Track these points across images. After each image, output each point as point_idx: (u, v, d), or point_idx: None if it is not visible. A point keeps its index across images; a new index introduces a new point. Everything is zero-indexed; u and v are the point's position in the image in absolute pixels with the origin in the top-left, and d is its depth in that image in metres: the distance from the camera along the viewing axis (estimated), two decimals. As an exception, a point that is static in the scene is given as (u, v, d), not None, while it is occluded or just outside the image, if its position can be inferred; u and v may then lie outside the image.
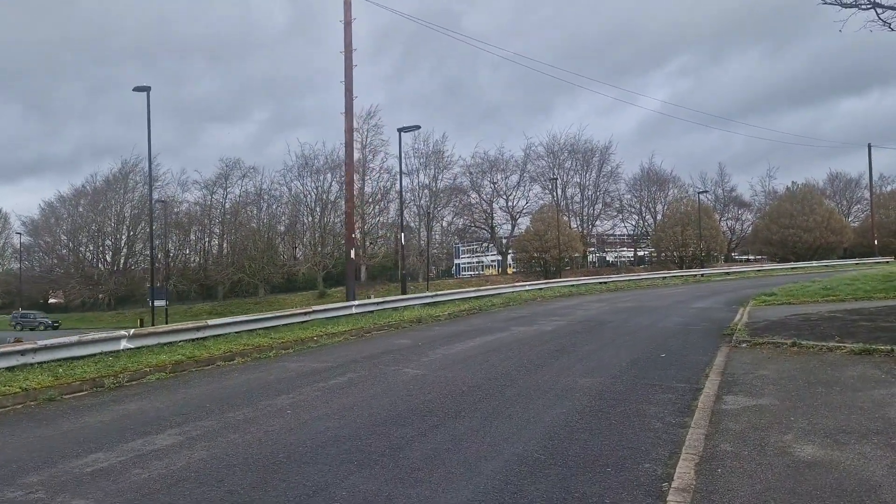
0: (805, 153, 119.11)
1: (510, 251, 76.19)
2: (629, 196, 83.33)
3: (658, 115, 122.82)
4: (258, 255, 74.97)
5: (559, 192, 78.43)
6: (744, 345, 12.25)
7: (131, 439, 6.99)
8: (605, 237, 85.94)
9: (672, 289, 35.10)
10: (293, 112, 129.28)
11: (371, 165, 70.66)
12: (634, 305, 23.18)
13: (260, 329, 15.51)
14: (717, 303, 23.28)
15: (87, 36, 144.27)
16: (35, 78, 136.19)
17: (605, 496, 4.95)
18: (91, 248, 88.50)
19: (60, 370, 10.32)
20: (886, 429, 6.29)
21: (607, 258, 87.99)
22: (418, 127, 28.89)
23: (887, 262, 52.95)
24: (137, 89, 27.88)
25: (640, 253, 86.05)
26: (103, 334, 12.09)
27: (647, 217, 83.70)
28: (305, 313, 17.33)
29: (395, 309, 21.47)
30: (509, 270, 76.39)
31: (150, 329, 13.11)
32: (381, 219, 72.25)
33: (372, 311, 20.41)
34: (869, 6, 12.89)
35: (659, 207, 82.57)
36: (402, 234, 29.07)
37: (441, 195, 73.96)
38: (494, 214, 78.50)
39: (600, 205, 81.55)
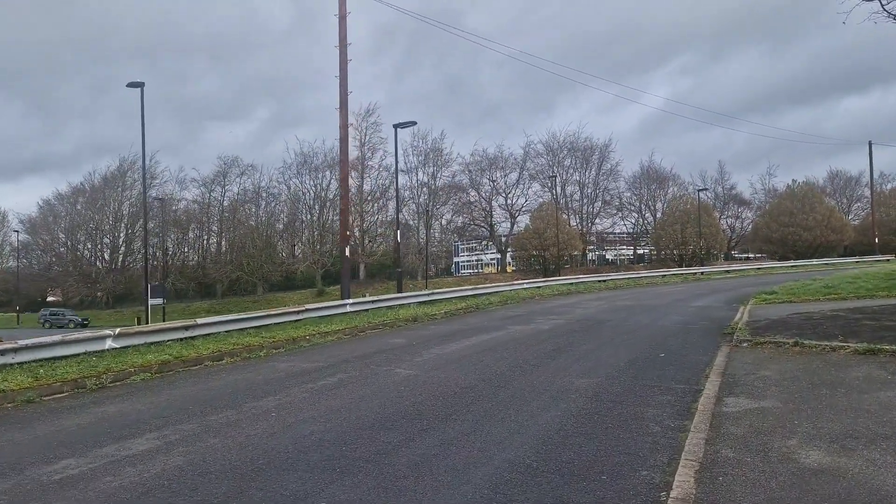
0: (805, 151, 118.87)
1: (509, 249, 75.88)
2: (629, 194, 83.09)
3: (659, 113, 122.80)
4: (256, 253, 74.69)
5: (558, 189, 78.11)
6: (745, 344, 11.97)
7: (106, 444, 6.70)
8: (605, 235, 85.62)
9: (671, 287, 34.81)
10: (294, 110, 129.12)
11: (370, 163, 70.38)
12: (633, 304, 22.89)
13: (251, 328, 15.21)
14: (717, 301, 23.00)
15: (88, 35, 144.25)
16: (36, 77, 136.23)
17: (599, 507, 4.67)
18: (89, 247, 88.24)
19: (41, 371, 10.02)
20: (895, 433, 6.01)
21: (607, 256, 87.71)
22: (414, 123, 28.56)
23: (888, 260, 52.67)
24: (131, 85, 27.58)
25: (640, 251, 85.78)
26: (87, 333, 11.80)
27: (646, 215, 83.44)
28: (298, 312, 17.03)
29: (390, 307, 21.17)
30: (508, 269, 76.10)
31: (137, 328, 12.81)
32: (381, 217, 72.01)
33: (367, 310, 20.11)
34: (873, -4, 12.60)
35: (659, 205, 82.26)
36: (399, 232, 28.65)
37: (440, 193, 73.62)
38: (493, 212, 78.24)
39: (600, 203, 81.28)
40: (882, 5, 12.43)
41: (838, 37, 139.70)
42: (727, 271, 49.40)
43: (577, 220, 79.52)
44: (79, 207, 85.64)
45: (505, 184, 77.08)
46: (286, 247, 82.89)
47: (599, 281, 38.86)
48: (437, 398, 8.34)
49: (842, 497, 4.60)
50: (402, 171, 71.79)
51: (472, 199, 77.28)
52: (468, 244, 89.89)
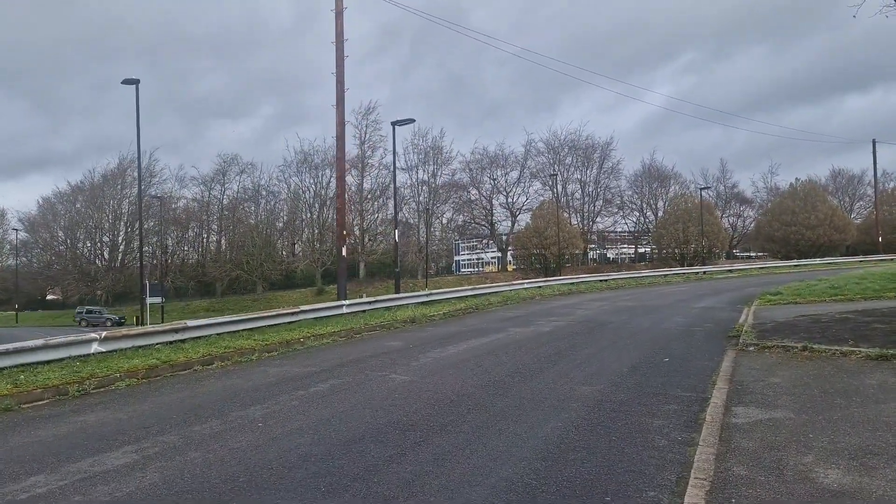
0: (808, 150, 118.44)
1: (510, 248, 75.46)
2: (630, 192, 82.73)
3: (661, 111, 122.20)
4: (256, 251, 74.32)
5: (559, 188, 77.74)
6: (751, 348, 11.59)
7: (81, 458, 6.33)
8: (606, 234, 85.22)
9: (674, 287, 34.44)
10: (297, 108, 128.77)
11: (370, 161, 70.04)
12: (635, 305, 22.51)
13: (244, 330, 14.81)
14: (721, 302, 22.62)
15: (90, 33, 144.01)
16: (40, 75, 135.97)
17: (603, 535, 4.29)
18: (88, 245, 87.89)
19: (22, 377, 9.63)
20: (919, 450, 5.63)
21: (608, 255, 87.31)
22: (413, 120, 28.18)
23: (892, 259, 52.21)
24: (126, 82, 27.16)
25: (641, 250, 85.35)
26: (72, 337, 11.41)
27: (647, 214, 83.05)
28: (293, 313, 16.64)
29: (387, 308, 20.78)
30: (509, 267, 75.68)
31: (124, 331, 12.42)
32: (381, 215, 71.62)
33: (364, 311, 19.73)
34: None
35: (660, 204, 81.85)
36: (397, 232, 28.25)
37: (440, 191, 73.22)
38: (494, 211, 77.88)
39: (601, 201, 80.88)
40: (895, -1, 12.02)
41: (842, 34, 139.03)
42: (729, 271, 49.00)
43: (579, 219, 79.15)
44: (78, 206, 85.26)
45: (506, 182, 76.75)
46: (286, 245, 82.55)
47: (601, 280, 38.47)
48: (433, 407, 7.97)
49: (867, 524, 4.24)
50: (403, 169, 71.50)
51: (472, 198, 76.93)
52: (469, 243, 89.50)
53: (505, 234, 78.18)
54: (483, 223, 78.83)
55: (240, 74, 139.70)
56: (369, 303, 20.71)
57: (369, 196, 70.57)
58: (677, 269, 49.83)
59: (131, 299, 77.54)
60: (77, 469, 5.98)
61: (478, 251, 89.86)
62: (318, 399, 8.66)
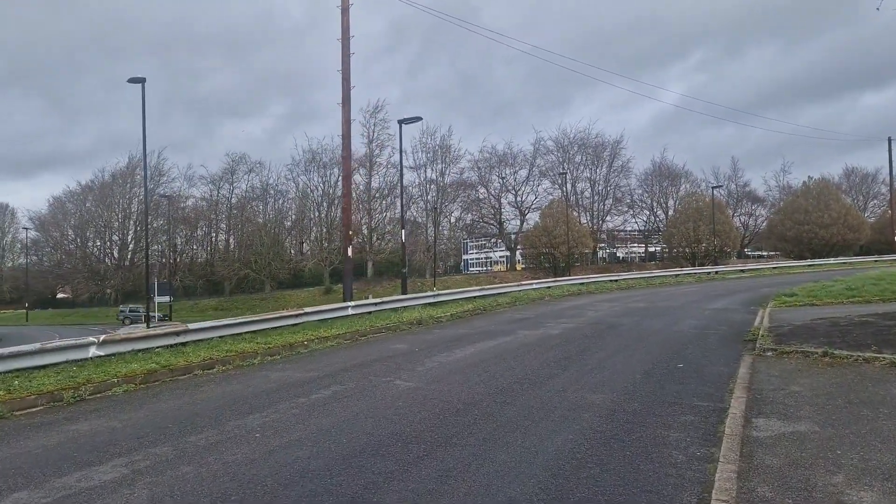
0: (821, 148, 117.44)
1: (519, 247, 75.00)
2: (640, 191, 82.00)
3: (673, 109, 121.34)
4: (264, 250, 74.25)
5: (569, 187, 77.17)
6: (769, 353, 11.20)
7: (68, 472, 6.03)
8: (616, 233, 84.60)
9: (685, 287, 33.97)
10: (308, 107, 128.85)
11: (378, 160, 69.76)
12: (646, 306, 22.10)
13: (246, 333, 14.50)
14: (734, 303, 22.17)
15: (104, 32, 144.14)
16: (54, 74, 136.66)
17: (619, 567, 3.95)
18: (98, 244, 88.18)
19: (16, 382, 9.36)
20: (958, 470, 5.25)
21: (618, 254, 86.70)
22: (419, 118, 27.82)
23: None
24: (132, 81, 26.99)
25: (652, 249, 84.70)
26: (69, 341, 11.13)
27: (658, 212, 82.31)
28: (297, 315, 16.32)
29: (394, 310, 20.46)
30: (518, 267, 75.25)
31: (123, 335, 12.14)
32: (389, 214, 71.31)
33: (370, 312, 19.40)
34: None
35: (671, 203, 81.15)
36: (404, 232, 27.94)
37: (449, 190, 72.85)
38: (503, 210, 77.41)
39: (611, 200, 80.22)
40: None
41: (858, 30, 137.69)
42: (742, 270, 48.40)
43: (588, 218, 78.57)
44: (88, 205, 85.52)
45: (515, 180, 76.26)
46: (294, 244, 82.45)
47: (611, 281, 38.02)
48: (438, 417, 7.64)
49: (910, 558, 3.87)
50: (411, 167, 71.18)
51: (481, 197, 76.53)
52: (477, 241, 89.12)
53: (514, 233, 77.72)
54: (492, 222, 78.40)
55: (251, 73, 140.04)
56: (375, 304, 20.39)
57: (377, 195, 70.31)
58: (688, 269, 49.29)
59: (140, 298, 77.57)
60: (63, 485, 5.69)
61: (486, 250, 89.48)
62: (319, 407, 8.35)
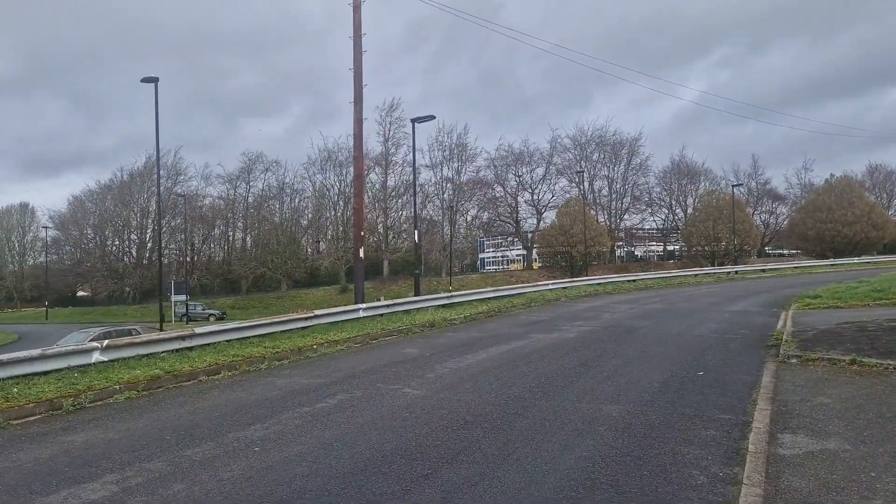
0: (844, 145, 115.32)
1: (535, 246, 74.44)
2: (659, 189, 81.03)
3: (694, 106, 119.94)
4: (281, 249, 74.36)
5: (586, 185, 76.49)
6: (793, 360, 10.75)
7: (56, 489, 5.77)
8: (634, 231, 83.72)
9: (704, 287, 33.38)
10: (328, 106, 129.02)
11: (394, 159, 69.55)
12: (665, 307, 21.62)
13: (254, 336, 14.22)
14: (755, 305, 21.64)
15: (128, 32, 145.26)
16: (79, 75, 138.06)
17: None
18: (117, 243, 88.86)
19: (15, 389, 9.13)
20: None
21: (636, 253, 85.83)
22: (433, 117, 27.51)
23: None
24: (146, 80, 26.91)
25: (670, 248, 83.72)
26: (71, 347, 10.93)
27: (676, 211, 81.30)
28: (307, 318, 16.02)
29: (406, 312, 20.12)
30: (535, 266, 74.68)
31: (128, 339, 11.93)
32: (405, 212, 71.07)
33: (381, 315, 19.09)
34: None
35: (690, 201, 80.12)
36: (417, 233, 27.66)
37: (465, 188, 72.45)
38: (520, 208, 76.86)
39: (629, 198, 79.33)
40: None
41: (884, 24, 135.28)
42: (762, 270, 47.61)
43: (606, 216, 77.78)
44: (107, 204, 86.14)
45: (531, 179, 75.70)
46: (311, 243, 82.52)
47: (629, 281, 37.46)
48: (445, 429, 7.31)
49: None
50: (427, 166, 70.89)
51: (497, 195, 76.01)
52: (494, 240, 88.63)
53: (530, 232, 77.17)
54: (508, 221, 77.88)
55: (273, 72, 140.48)
56: (387, 306, 20.08)
57: (393, 193, 70.10)
58: (708, 269, 48.56)
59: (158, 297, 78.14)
60: (48, 504, 5.43)
61: (503, 249, 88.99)
62: (323, 417, 8.04)
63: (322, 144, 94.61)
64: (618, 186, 78.65)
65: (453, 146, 71.56)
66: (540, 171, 75.63)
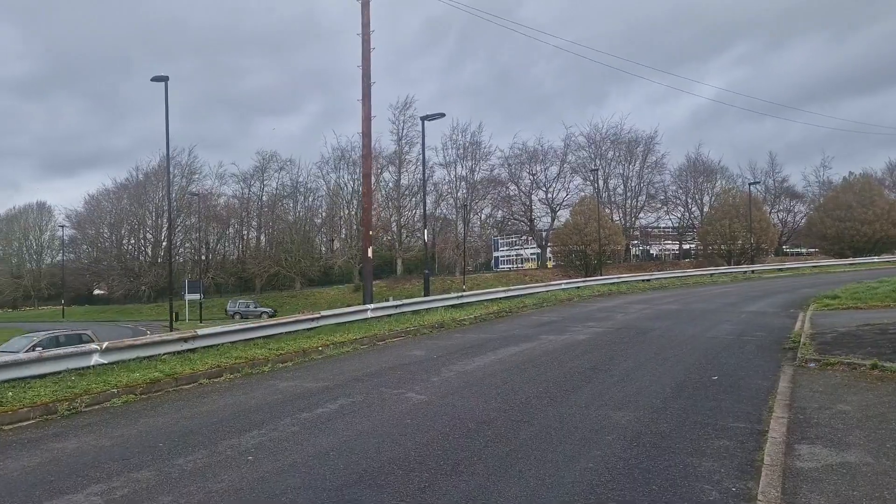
0: (864, 142, 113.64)
1: (550, 244, 73.96)
2: (674, 187, 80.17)
3: (711, 104, 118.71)
4: (294, 248, 74.48)
5: (601, 183, 75.83)
6: (812, 364, 10.37)
7: (39, 501, 5.56)
8: (649, 230, 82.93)
9: (720, 287, 32.86)
10: (344, 105, 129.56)
11: (407, 157, 69.38)
12: (679, 308, 21.21)
13: (259, 338, 14.01)
14: (773, 305, 21.19)
15: (148, 32, 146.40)
16: (99, 74, 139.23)
17: None
18: (132, 242, 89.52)
19: (10, 393, 8.94)
20: None
21: (651, 252, 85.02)
22: (443, 115, 27.22)
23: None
24: (156, 79, 26.86)
25: (686, 246, 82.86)
26: (70, 349, 10.76)
27: (692, 209, 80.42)
28: (313, 319, 15.79)
29: (415, 312, 19.86)
30: (549, 264, 74.18)
31: (129, 341, 11.76)
32: (419, 211, 70.87)
33: (390, 315, 18.83)
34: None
35: (706, 199, 79.24)
36: (426, 231, 27.38)
37: (479, 187, 72.14)
38: (533, 206, 76.43)
39: (644, 196, 78.58)
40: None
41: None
42: (780, 269, 46.89)
43: (620, 215, 77.12)
44: (123, 203, 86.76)
45: (545, 177, 75.25)
46: (324, 242, 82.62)
47: (643, 280, 37.00)
48: (447, 437, 7.03)
49: None
50: (441, 164, 70.68)
51: (511, 193, 75.67)
52: (508, 239, 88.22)
53: (545, 231, 76.70)
54: (522, 219, 77.48)
55: (290, 71, 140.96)
56: (396, 307, 19.82)
57: (407, 192, 69.96)
58: (724, 268, 47.90)
59: (173, 295, 78.48)
60: (28, 517, 5.22)
61: (517, 248, 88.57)
62: (322, 424, 7.80)
63: (336, 143, 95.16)
64: (633, 184, 78.02)
65: (467, 144, 71.41)
66: (554, 169, 75.29)
